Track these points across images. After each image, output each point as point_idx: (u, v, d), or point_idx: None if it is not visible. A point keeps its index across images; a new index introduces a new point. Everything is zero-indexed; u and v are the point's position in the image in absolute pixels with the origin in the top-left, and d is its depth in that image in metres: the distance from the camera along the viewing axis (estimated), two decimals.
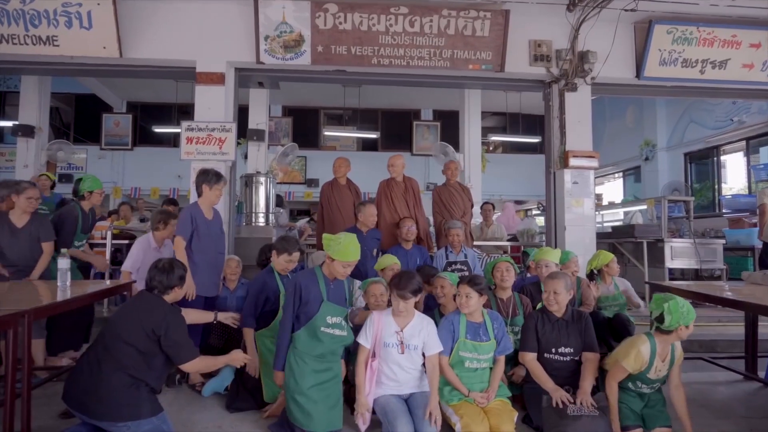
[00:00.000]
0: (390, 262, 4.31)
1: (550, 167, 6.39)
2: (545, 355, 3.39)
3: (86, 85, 12.43)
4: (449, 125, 14.13)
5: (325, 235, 3.26)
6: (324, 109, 14.57)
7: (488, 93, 10.98)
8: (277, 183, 14.05)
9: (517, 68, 6.08)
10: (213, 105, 5.72)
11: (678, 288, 4.01)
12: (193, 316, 3.56)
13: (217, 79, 5.72)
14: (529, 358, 3.41)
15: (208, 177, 4.24)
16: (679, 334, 3.01)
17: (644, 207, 8.02)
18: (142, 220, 7.49)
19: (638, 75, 6.18)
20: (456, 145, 10.29)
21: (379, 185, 5.73)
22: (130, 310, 3.03)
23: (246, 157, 9.81)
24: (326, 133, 13.94)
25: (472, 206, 6.27)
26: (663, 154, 10.86)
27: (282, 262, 3.96)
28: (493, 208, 7.79)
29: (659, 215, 8.99)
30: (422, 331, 3.23)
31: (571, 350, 3.38)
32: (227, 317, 3.81)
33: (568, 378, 3.31)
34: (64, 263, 3.51)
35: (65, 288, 3.49)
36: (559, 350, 3.38)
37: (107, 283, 4.29)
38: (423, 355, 3.25)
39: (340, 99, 13.11)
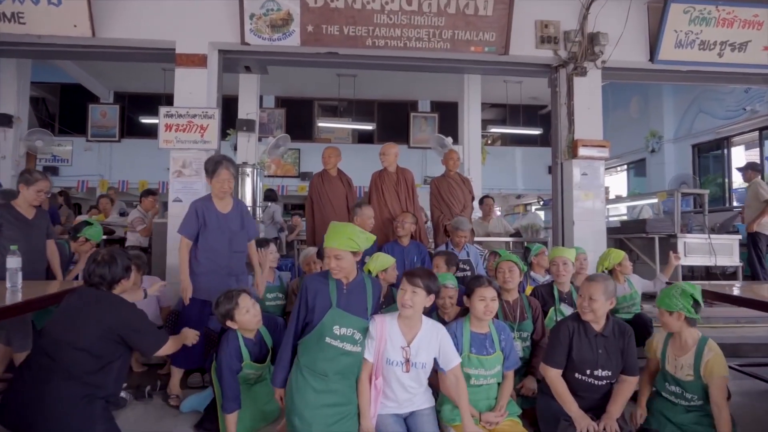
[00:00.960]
0: (388, 263, 3.84)
1: (556, 158, 5.98)
2: (576, 375, 2.89)
3: (71, 75, 11.93)
4: (447, 117, 13.70)
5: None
6: (318, 100, 14.12)
7: (488, 84, 10.56)
8: (270, 176, 13.72)
9: (523, 51, 5.65)
10: (194, 89, 5.28)
11: (714, 291, 3.61)
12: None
13: (199, 61, 5.27)
14: (554, 374, 2.89)
15: (207, 165, 3.74)
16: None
17: (654, 200, 7.63)
18: (122, 214, 7.05)
19: (652, 58, 5.76)
20: (455, 137, 9.88)
21: (371, 177, 5.31)
22: (76, 310, 2.63)
23: (236, 148, 9.36)
24: (320, 124, 13.49)
25: (473, 199, 5.87)
26: (670, 146, 10.47)
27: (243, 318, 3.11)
28: (493, 201, 7.38)
29: (666, 209, 8.63)
30: (432, 343, 2.78)
31: (609, 373, 2.87)
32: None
33: (597, 402, 2.85)
34: (13, 262, 3.08)
35: (16, 290, 3.07)
36: (595, 373, 2.87)
37: (71, 282, 3.85)
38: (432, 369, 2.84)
39: (334, 89, 12.66)
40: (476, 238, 6.04)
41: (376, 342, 2.75)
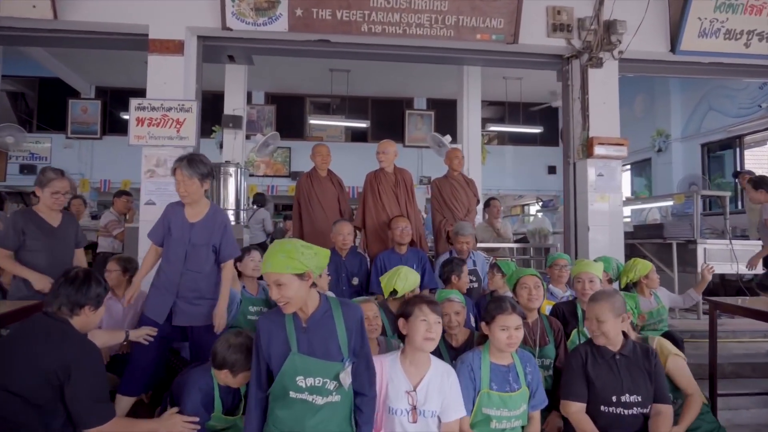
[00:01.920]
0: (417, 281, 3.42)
1: (568, 157, 5.48)
2: (602, 408, 2.49)
3: (49, 68, 11.32)
4: (444, 115, 13.20)
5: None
6: (310, 96, 13.56)
7: (486, 80, 10.08)
8: (259, 176, 13.16)
9: (533, 39, 5.15)
10: (170, 79, 4.73)
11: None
12: (101, 338, 2.62)
13: (175, 48, 4.73)
14: (575, 409, 2.51)
15: (174, 164, 3.10)
16: None
17: (670, 203, 7.17)
18: (94, 217, 6.49)
19: (673, 49, 5.28)
20: (453, 136, 9.38)
21: (366, 178, 4.80)
22: (18, 343, 2.11)
23: (221, 146, 8.80)
24: (312, 122, 12.93)
25: (478, 202, 5.36)
26: (677, 145, 10.03)
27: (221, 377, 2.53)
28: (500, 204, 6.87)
29: (674, 212, 8.17)
30: (443, 387, 2.29)
31: (639, 399, 2.49)
32: (139, 335, 2.92)
33: None
34: None
35: None
36: (622, 399, 2.48)
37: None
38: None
39: (327, 85, 12.12)
40: (481, 245, 5.53)
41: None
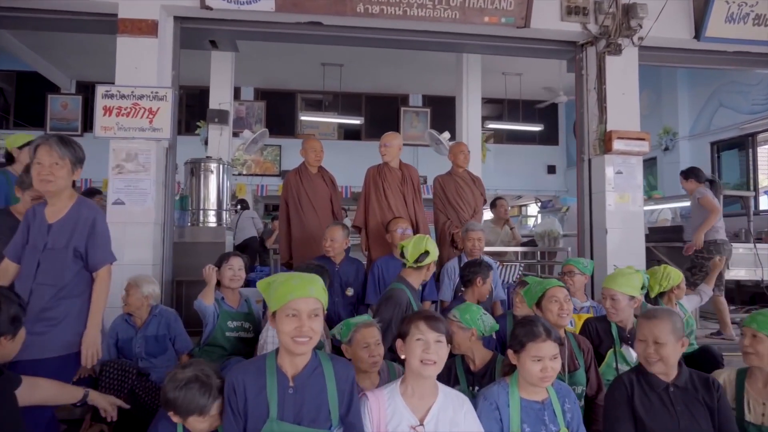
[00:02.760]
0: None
1: (582, 153, 5.02)
2: None
3: (27, 61, 10.74)
4: (441, 112, 12.73)
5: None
6: (301, 92, 13.04)
7: (485, 76, 9.64)
8: (248, 175, 12.63)
9: (545, 23, 4.69)
10: (142, 64, 4.22)
11: None
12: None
13: (147, 28, 4.21)
14: None
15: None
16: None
17: (687, 203, 6.72)
18: None
19: (697, 35, 4.84)
20: (451, 133, 8.93)
21: (367, 173, 4.30)
22: None
23: (206, 143, 8.29)
24: (303, 118, 12.41)
25: (485, 202, 4.88)
26: (685, 143, 9.61)
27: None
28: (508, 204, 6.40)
29: (683, 213, 7.74)
30: (455, 419, 1.86)
31: None
32: (106, 404, 2.24)
33: None
34: None
35: None
36: None
37: None
38: None
39: (319, 81, 11.61)
40: (486, 248, 5.05)
41: (373, 424, 1.80)
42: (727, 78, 8.71)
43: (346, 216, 7.85)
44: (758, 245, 5.43)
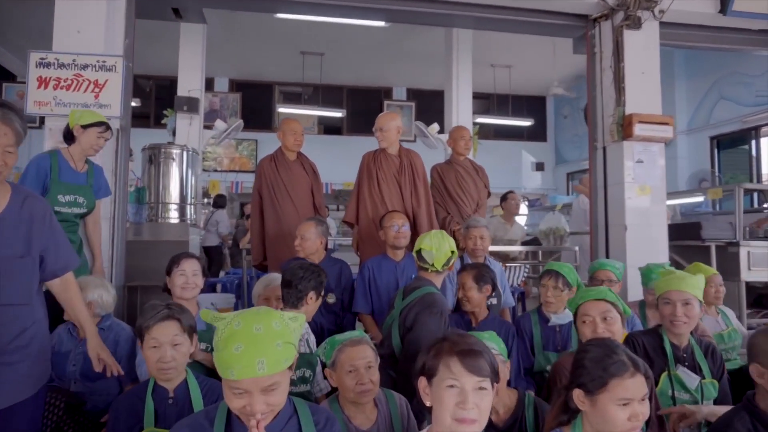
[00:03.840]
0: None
1: (595, 141, 4.48)
2: None
3: None
4: (426, 106, 12.19)
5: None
6: (279, 84, 12.34)
7: (473, 70, 9.14)
8: (223, 171, 11.88)
9: None
10: (86, 27, 3.52)
11: None
12: None
13: None
14: None
15: None
16: None
17: (700, 199, 6.29)
18: None
19: (723, 9, 4.33)
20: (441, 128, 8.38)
21: (363, 159, 3.70)
22: None
23: (174, 134, 7.56)
24: (281, 110, 11.71)
25: (489, 195, 4.31)
26: (683, 138, 9.18)
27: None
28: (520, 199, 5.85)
29: (682, 211, 7.31)
30: None
31: None
32: None
33: None
34: None
35: None
36: None
37: None
38: None
39: (298, 72, 10.94)
40: (492, 248, 4.48)
41: None
42: (729, 68, 8.32)
43: (329, 213, 7.24)
44: None
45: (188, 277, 2.62)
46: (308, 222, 3.17)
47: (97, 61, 3.47)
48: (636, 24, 4.18)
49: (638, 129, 4.06)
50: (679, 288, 2.26)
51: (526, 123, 11.65)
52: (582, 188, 5.78)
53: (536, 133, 13.19)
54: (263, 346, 1.25)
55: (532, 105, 13.01)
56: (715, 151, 8.73)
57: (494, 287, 2.84)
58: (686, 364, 2.30)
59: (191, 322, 2.01)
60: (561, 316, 2.80)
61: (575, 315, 2.23)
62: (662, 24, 4.34)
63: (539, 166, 13.23)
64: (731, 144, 8.58)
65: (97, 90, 3.46)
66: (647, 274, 3.17)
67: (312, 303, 2.54)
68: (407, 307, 2.54)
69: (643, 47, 4.23)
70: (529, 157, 13.18)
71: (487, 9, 4.34)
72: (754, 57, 7.69)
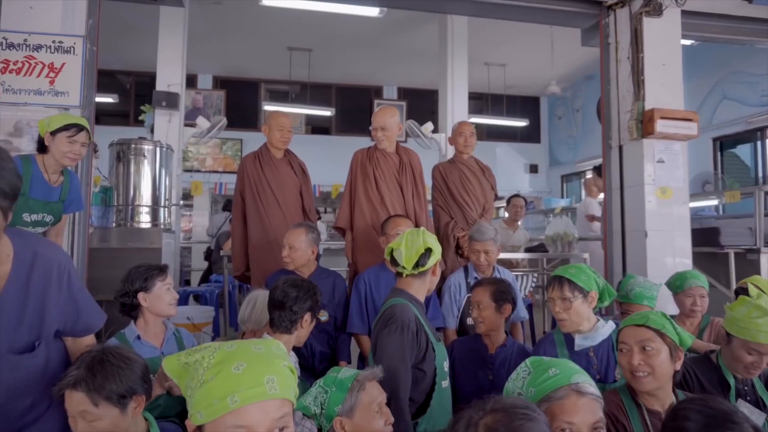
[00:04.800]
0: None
1: (610, 139, 4.11)
2: None
3: None
4: (417, 105, 11.84)
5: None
6: (265, 82, 11.87)
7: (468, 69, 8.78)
8: (206, 171, 11.39)
9: None
10: (39, 2, 3.07)
11: None
12: None
13: None
14: None
15: None
16: None
17: (714, 202, 5.96)
18: None
19: None
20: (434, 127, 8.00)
21: (354, 158, 3.30)
22: None
23: (153, 131, 7.08)
24: (267, 108, 11.24)
25: (496, 197, 3.92)
26: None
27: None
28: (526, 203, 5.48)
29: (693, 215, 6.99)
30: None
31: None
32: None
33: None
34: None
35: None
36: None
37: None
38: None
39: (285, 69, 10.49)
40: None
41: None
42: (732, 67, 8.04)
43: (320, 217, 6.82)
44: None
45: (173, 294, 2.21)
46: (297, 229, 2.75)
47: (53, 42, 3.02)
48: (657, 11, 3.82)
49: (660, 126, 3.69)
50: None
51: (521, 123, 11.30)
52: (591, 187, 5.44)
53: (530, 135, 12.88)
54: (270, 364, 0.97)
55: (526, 106, 12.70)
56: (718, 152, 8.44)
57: (515, 305, 2.44)
58: (748, 398, 1.92)
59: (121, 388, 1.43)
60: (589, 336, 2.33)
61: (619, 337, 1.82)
62: (683, 13, 3.99)
63: (533, 168, 12.93)
64: (735, 145, 8.30)
65: (52, 75, 3.01)
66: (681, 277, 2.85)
67: (307, 326, 2.15)
68: (375, 326, 2.12)
69: (664, 36, 3.88)
70: (522, 158, 12.87)
71: None
72: (760, 56, 7.43)
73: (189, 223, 11.74)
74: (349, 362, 2.94)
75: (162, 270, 2.29)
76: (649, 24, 3.86)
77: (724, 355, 1.99)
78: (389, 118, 3.22)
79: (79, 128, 2.58)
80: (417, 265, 2.06)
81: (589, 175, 5.61)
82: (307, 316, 2.12)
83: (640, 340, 1.70)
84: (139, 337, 2.22)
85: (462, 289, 3.04)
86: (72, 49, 3.04)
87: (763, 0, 3.98)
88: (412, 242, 2.08)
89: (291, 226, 2.80)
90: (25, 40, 2.99)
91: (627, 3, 3.95)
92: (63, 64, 3.02)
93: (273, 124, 3.37)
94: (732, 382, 1.91)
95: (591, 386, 1.33)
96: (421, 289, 2.14)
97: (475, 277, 3.00)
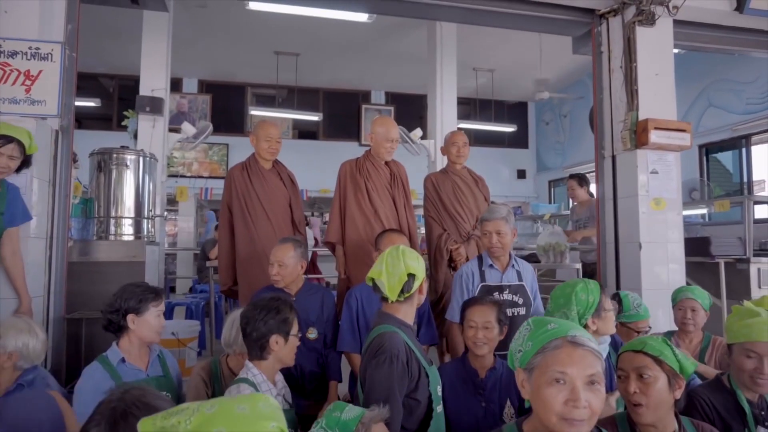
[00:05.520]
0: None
1: (603, 149, 4.07)
2: None
3: None
4: (405, 110, 11.78)
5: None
6: (252, 86, 11.73)
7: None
8: (191, 176, 11.20)
9: None
10: (15, 6, 2.94)
11: None
12: None
13: None
14: None
15: None
16: None
17: (703, 211, 5.96)
18: None
19: (740, 7, 3.99)
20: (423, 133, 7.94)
21: (342, 170, 3.21)
22: None
23: (136, 137, 6.92)
24: (254, 113, 11.11)
25: None
26: None
27: None
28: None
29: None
30: None
31: None
32: None
33: None
34: None
35: None
36: None
37: None
38: None
39: (272, 73, 10.37)
40: None
41: None
42: (718, 75, 8.10)
43: (308, 223, 6.71)
44: None
45: (161, 320, 2.11)
46: (285, 244, 2.64)
47: (29, 48, 2.89)
48: (650, 20, 3.79)
49: (654, 136, 3.65)
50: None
51: (509, 129, 11.29)
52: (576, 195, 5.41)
53: (517, 140, 12.89)
54: (255, 426, 0.88)
55: (514, 111, 12.71)
56: (704, 159, 8.49)
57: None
58: (766, 424, 1.86)
59: None
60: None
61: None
62: (675, 23, 3.97)
63: (521, 174, 12.93)
64: (720, 152, 8.35)
65: (28, 83, 2.88)
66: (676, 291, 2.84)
67: (281, 348, 2.03)
68: (363, 355, 2.02)
69: (657, 46, 3.85)
70: (510, 164, 12.87)
71: (478, 0, 3.89)
72: (746, 64, 7.48)
73: (174, 227, 11.55)
74: (340, 381, 2.85)
75: (158, 294, 2.20)
76: (642, 33, 3.82)
77: (734, 373, 1.94)
78: (394, 129, 3.17)
79: (7, 140, 2.45)
80: (402, 292, 1.97)
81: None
82: (276, 338, 2.01)
83: (637, 367, 1.63)
84: (123, 360, 2.11)
85: (475, 278, 2.79)
86: (50, 55, 2.91)
87: (753, 10, 3.97)
88: (393, 269, 1.98)
89: (280, 242, 2.69)
90: (0, 45, 2.85)
91: (620, 12, 3.91)
92: (40, 71, 2.89)
93: (261, 134, 3.26)
94: (747, 408, 1.85)
95: (590, 341, 1.29)
96: (409, 312, 2.05)
97: (490, 265, 2.78)
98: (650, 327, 2.70)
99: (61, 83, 2.94)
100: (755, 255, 4.69)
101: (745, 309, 1.90)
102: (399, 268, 1.97)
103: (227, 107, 11.44)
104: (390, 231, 2.81)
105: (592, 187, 5.04)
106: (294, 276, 2.66)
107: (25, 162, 2.60)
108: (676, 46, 4.07)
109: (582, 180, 5.47)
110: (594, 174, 4.26)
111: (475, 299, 2.46)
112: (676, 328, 2.87)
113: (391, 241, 2.66)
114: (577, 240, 5.16)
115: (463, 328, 2.36)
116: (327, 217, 12.92)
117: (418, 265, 2.00)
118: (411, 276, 1.97)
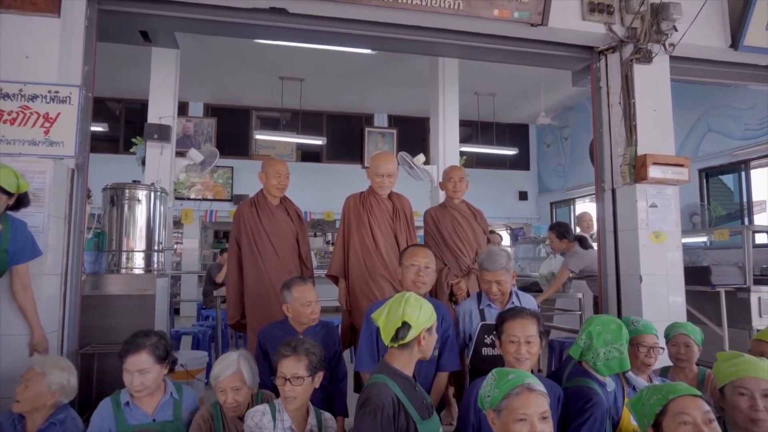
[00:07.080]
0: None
1: (603, 182, 4.15)
2: None
3: None
4: (408, 133, 11.94)
5: None
6: (257, 109, 11.89)
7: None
8: (196, 199, 11.30)
9: (564, 22, 3.83)
10: (37, 52, 3.05)
11: None
12: None
13: (46, 4, 3.07)
14: None
15: None
16: None
17: (703, 239, 6.02)
18: None
19: (734, 44, 4.10)
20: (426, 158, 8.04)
21: (346, 204, 3.29)
22: None
23: (144, 163, 7.03)
24: (259, 137, 11.26)
25: (488, 242, 3.92)
26: None
27: None
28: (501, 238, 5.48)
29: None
30: None
31: None
32: None
33: None
34: None
35: None
36: None
37: None
38: None
39: (276, 97, 10.53)
40: None
41: None
42: (716, 101, 8.21)
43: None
44: None
45: (134, 377, 2.15)
46: (307, 285, 2.68)
47: (49, 92, 3.00)
48: (647, 58, 3.91)
49: (653, 171, 3.74)
50: (757, 375, 1.87)
51: (510, 152, 11.41)
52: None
53: (519, 162, 13.00)
54: None
55: (515, 133, 12.84)
56: (704, 183, 8.57)
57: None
58: None
59: None
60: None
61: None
62: (671, 58, 4.09)
63: (522, 195, 13.02)
64: (719, 175, 8.43)
65: (47, 125, 2.98)
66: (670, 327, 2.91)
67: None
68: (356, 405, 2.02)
69: (654, 83, 3.96)
70: (511, 185, 12.96)
71: (478, 38, 3.99)
72: (743, 91, 7.60)
73: (178, 246, 11.62)
74: (347, 416, 2.89)
75: (163, 359, 2.24)
76: (639, 71, 3.93)
77: (729, 417, 1.98)
78: (392, 163, 3.24)
79: None
80: (395, 338, 1.97)
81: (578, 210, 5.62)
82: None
83: (705, 411, 1.65)
84: (128, 403, 2.17)
85: (474, 317, 2.82)
86: (68, 98, 3.02)
87: (747, 48, 4.07)
88: (391, 314, 2.00)
89: (299, 282, 2.72)
90: (21, 90, 2.96)
91: (617, 49, 4.03)
92: (58, 114, 2.99)
93: (270, 171, 3.36)
94: None
95: (538, 385, 1.67)
96: (408, 362, 2.03)
97: (488, 304, 2.83)
98: (662, 348, 2.71)
99: (78, 124, 3.05)
100: (755, 283, 4.76)
101: (728, 353, 2.01)
102: (396, 315, 1.98)
103: (232, 130, 11.59)
104: (413, 246, 2.83)
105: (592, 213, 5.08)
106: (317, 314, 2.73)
107: (20, 200, 2.60)
108: (672, 80, 4.17)
109: (561, 232, 5.17)
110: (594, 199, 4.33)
111: (513, 311, 2.34)
112: (671, 364, 2.93)
113: (413, 255, 2.66)
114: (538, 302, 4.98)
115: (501, 342, 2.28)
116: (329, 237, 13.17)
117: (418, 314, 1.98)
118: (405, 324, 1.96)
